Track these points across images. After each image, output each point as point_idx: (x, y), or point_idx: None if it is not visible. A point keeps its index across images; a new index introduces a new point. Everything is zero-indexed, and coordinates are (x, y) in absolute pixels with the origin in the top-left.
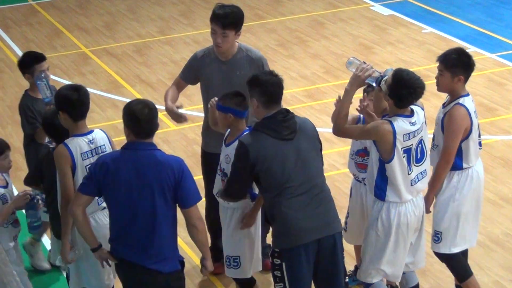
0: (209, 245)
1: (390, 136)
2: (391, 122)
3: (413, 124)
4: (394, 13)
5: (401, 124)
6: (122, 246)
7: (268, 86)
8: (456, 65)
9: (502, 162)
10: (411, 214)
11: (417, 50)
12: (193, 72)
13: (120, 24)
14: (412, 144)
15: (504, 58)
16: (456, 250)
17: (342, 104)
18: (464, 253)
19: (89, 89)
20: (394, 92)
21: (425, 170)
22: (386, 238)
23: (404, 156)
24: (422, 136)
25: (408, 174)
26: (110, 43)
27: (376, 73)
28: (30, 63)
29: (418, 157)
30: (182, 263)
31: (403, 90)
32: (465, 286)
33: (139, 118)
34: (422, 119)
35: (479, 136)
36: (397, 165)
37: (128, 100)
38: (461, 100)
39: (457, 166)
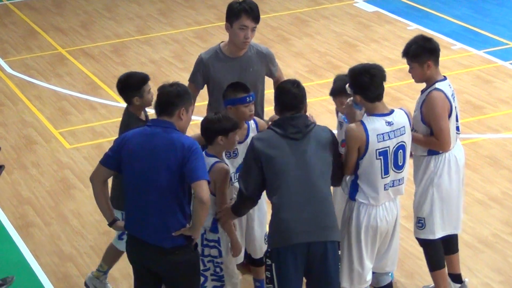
0: None
1: (363, 137)
2: (363, 123)
3: (389, 123)
4: (379, 9)
5: (374, 124)
6: (131, 222)
7: (283, 96)
8: (419, 53)
9: (490, 161)
10: (382, 219)
11: (402, 48)
12: (201, 75)
13: (97, 24)
14: (388, 147)
15: (491, 54)
16: (438, 235)
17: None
18: (450, 243)
19: (65, 91)
20: (356, 86)
21: (403, 178)
22: (357, 239)
23: (379, 158)
24: (403, 141)
25: (382, 178)
26: (87, 43)
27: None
28: (139, 85)
29: (400, 163)
30: (192, 241)
31: (361, 78)
32: (434, 276)
33: (160, 93)
34: (404, 122)
35: (457, 120)
36: (369, 165)
37: (106, 102)
38: (436, 85)
39: (434, 150)
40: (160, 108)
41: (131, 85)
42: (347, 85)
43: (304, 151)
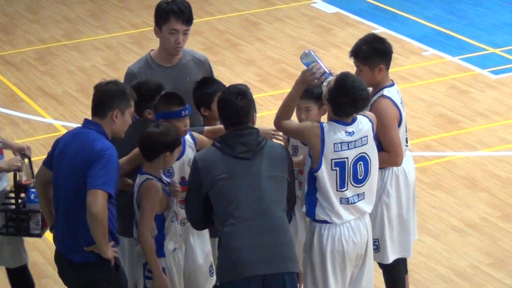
0: None
1: (317, 141)
2: (321, 127)
3: (349, 134)
4: (340, 10)
5: (333, 131)
6: (54, 231)
7: (225, 110)
8: (371, 55)
9: (466, 183)
10: (348, 240)
11: None
12: None
13: (19, 27)
14: (347, 158)
15: (468, 61)
16: (391, 259)
17: (288, 95)
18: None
19: None
20: (333, 99)
21: (364, 193)
22: (322, 269)
23: (335, 169)
24: (365, 152)
25: (338, 191)
26: (7, 49)
27: (326, 76)
28: (153, 95)
29: (359, 177)
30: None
31: (343, 98)
32: None
33: (94, 92)
34: (366, 131)
35: (406, 131)
36: (325, 176)
37: (29, 117)
38: (385, 92)
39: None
40: (93, 107)
41: (142, 95)
42: (325, 84)
43: (256, 172)
